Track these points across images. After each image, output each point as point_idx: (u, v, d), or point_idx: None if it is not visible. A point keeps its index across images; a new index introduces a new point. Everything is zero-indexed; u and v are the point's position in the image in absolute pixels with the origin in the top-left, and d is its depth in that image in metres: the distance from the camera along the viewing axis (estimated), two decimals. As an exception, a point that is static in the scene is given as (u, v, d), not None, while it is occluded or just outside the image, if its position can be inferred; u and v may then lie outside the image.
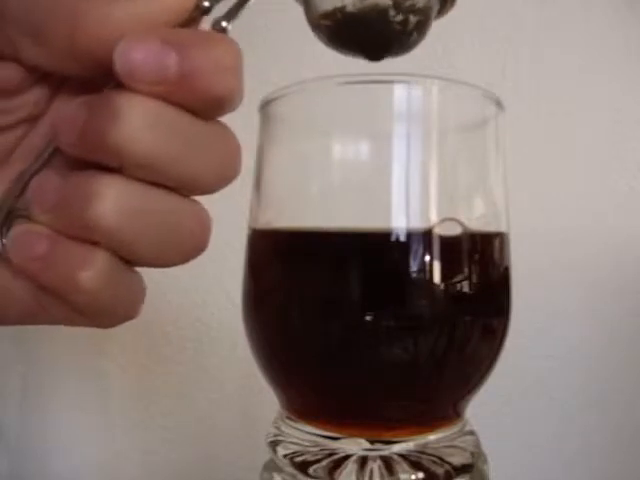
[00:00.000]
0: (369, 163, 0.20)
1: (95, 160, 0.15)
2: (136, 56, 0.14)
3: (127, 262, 0.16)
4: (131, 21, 0.14)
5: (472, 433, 0.21)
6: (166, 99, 0.15)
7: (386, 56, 0.19)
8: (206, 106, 0.15)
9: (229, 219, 0.37)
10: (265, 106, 0.21)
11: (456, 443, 0.20)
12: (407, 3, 0.18)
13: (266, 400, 0.23)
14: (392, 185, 0.19)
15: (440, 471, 0.19)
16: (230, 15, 0.16)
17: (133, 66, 0.14)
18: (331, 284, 0.19)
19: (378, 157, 0.20)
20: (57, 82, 0.16)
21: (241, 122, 0.35)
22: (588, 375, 0.40)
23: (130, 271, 0.17)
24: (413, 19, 0.18)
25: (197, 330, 0.38)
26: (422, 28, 0.19)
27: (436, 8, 0.19)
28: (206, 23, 0.16)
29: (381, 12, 0.18)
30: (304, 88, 0.20)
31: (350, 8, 0.18)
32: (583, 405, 0.41)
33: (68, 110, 0.15)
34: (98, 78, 0.15)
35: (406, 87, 0.19)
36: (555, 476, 0.41)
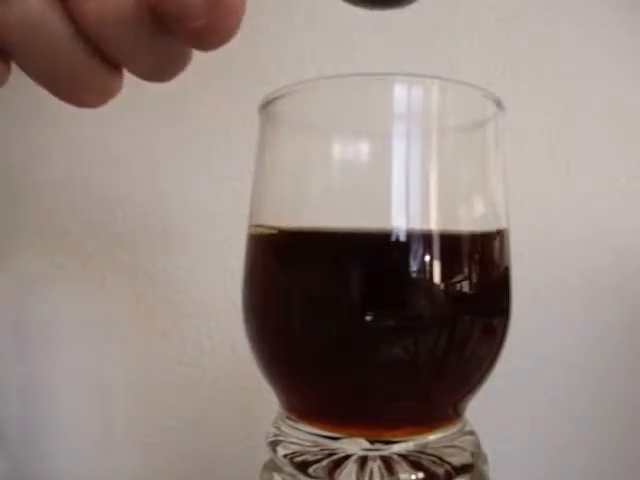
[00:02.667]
0: (369, 163, 0.20)
1: None
2: None
3: None
4: None
5: (472, 433, 0.21)
6: None
7: (393, 5, 0.19)
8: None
9: (229, 219, 0.37)
10: (265, 106, 0.21)
11: (456, 443, 0.20)
12: None
13: (266, 400, 0.23)
14: (392, 185, 0.19)
15: (440, 471, 0.19)
16: None
17: None
18: (331, 284, 0.19)
19: (378, 157, 0.20)
20: None
21: (241, 122, 0.35)
22: (588, 375, 0.40)
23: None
24: None
25: (197, 330, 0.38)
26: None
27: None
28: None
29: None
30: (304, 88, 0.20)
31: None
32: (583, 405, 0.41)
33: None
34: None
35: (406, 87, 0.19)
36: (555, 476, 0.41)
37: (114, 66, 0.17)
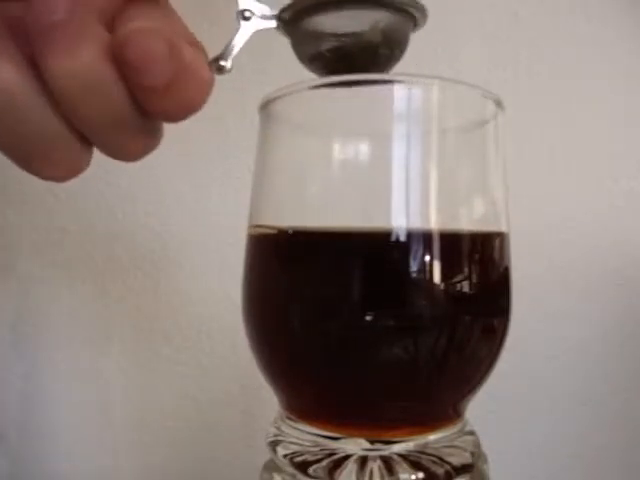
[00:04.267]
0: (369, 163, 0.20)
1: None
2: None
3: None
4: None
5: (472, 433, 0.21)
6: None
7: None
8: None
9: (229, 219, 0.37)
10: (265, 106, 0.21)
11: (456, 443, 0.20)
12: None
13: (266, 400, 0.23)
14: (392, 185, 0.19)
15: (440, 471, 0.19)
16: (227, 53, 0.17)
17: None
18: (331, 284, 0.19)
19: (378, 157, 0.20)
20: None
21: (241, 122, 0.35)
22: (588, 375, 0.40)
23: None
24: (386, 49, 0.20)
25: (197, 330, 0.38)
26: (401, 47, 0.20)
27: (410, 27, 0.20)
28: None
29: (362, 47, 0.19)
30: (304, 88, 0.20)
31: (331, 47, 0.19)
32: (582, 405, 0.41)
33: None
34: None
35: (406, 87, 0.19)
36: (555, 476, 0.41)
37: (84, 140, 0.17)
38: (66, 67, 0.15)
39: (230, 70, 0.18)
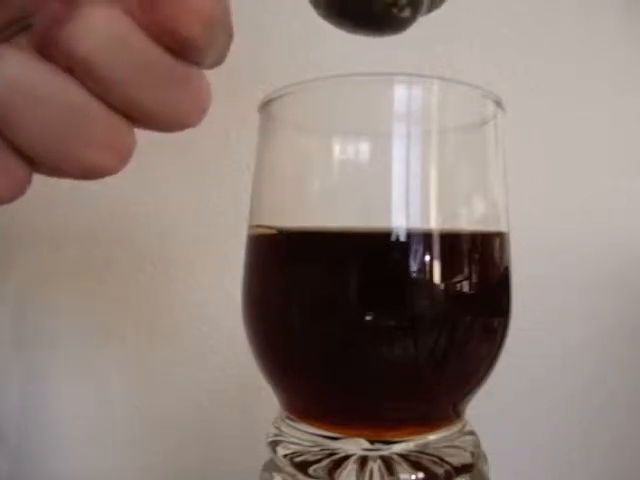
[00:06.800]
0: (369, 163, 0.20)
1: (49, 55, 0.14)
2: None
3: None
4: None
5: (472, 433, 0.21)
6: (136, 21, 0.14)
7: (379, 32, 0.19)
8: (172, 44, 0.15)
9: (229, 219, 0.37)
10: (265, 106, 0.21)
11: (456, 443, 0.20)
12: None
13: (266, 400, 0.23)
14: (392, 185, 0.19)
15: (440, 471, 0.19)
16: None
17: None
18: (331, 284, 0.19)
19: (378, 157, 0.20)
20: None
21: (241, 122, 0.35)
22: (588, 375, 0.40)
23: None
24: None
25: (197, 330, 0.38)
26: (415, 5, 0.18)
27: None
28: None
29: None
30: (304, 88, 0.20)
31: None
32: (583, 405, 0.41)
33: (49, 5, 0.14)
34: None
35: (406, 87, 0.19)
36: (555, 476, 0.41)
37: (124, 114, 0.16)
38: (81, 28, 0.14)
39: None
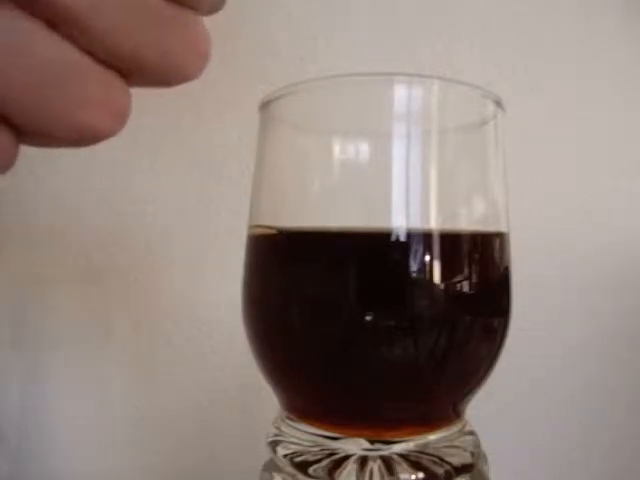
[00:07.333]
0: (369, 163, 0.20)
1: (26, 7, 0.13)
2: None
3: None
4: None
5: (472, 433, 0.21)
6: None
7: None
8: None
9: (229, 219, 0.37)
10: (265, 106, 0.21)
11: (456, 443, 0.20)
12: None
13: (266, 400, 0.23)
14: (392, 185, 0.19)
15: (440, 471, 0.19)
16: None
17: None
18: (331, 284, 0.19)
19: (378, 157, 0.20)
20: None
21: (241, 122, 0.35)
22: (588, 375, 0.40)
23: None
24: None
25: (197, 330, 0.38)
26: None
27: None
28: None
29: None
30: (304, 88, 0.20)
31: None
32: (583, 405, 0.41)
33: None
34: None
35: (406, 87, 0.19)
36: (555, 476, 0.41)
37: (116, 69, 0.14)
38: None
39: None
